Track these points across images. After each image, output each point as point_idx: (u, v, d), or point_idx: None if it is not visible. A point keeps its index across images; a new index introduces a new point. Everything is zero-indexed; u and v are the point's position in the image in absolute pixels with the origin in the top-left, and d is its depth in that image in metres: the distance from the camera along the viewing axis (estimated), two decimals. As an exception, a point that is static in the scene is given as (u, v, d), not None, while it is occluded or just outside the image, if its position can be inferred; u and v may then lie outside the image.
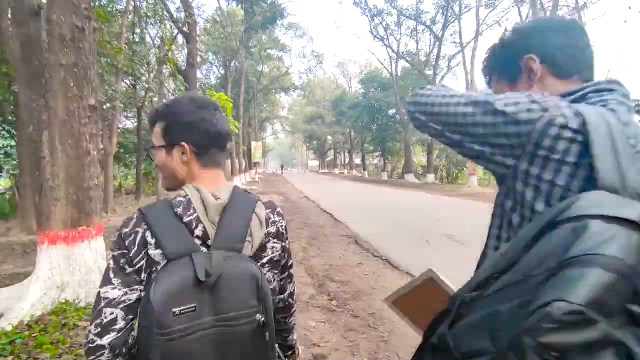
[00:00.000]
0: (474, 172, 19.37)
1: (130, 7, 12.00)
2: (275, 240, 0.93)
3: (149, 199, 16.39)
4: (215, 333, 0.74)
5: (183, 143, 0.87)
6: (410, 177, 28.08)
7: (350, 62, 48.51)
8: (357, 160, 49.75)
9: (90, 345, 0.75)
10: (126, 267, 0.78)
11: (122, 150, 20.59)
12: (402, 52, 28.33)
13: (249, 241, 0.84)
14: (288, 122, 63.27)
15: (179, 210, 0.80)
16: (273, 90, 42.59)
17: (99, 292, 0.78)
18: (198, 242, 0.79)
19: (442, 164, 30.88)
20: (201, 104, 0.90)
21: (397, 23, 26.97)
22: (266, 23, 26.13)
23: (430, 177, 25.22)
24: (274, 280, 0.94)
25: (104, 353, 0.75)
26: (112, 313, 0.76)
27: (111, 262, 0.80)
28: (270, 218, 0.93)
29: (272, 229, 0.93)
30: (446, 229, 7.64)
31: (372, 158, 47.88)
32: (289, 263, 1.02)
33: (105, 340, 0.75)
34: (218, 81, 29.24)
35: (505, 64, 0.80)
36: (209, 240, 0.80)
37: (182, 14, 10.13)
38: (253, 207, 0.89)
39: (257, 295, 0.78)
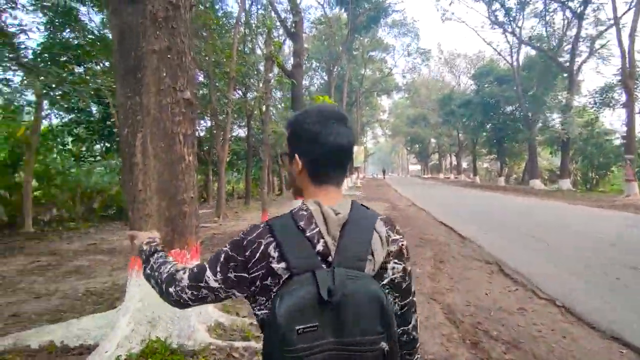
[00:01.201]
0: (634, 177, 15.09)
1: (241, 20, 12.31)
2: (396, 260, 0.85)
3: (257, 203, 16.88)
4: (337, 356, 0.70)
5: (297, 156, 0.87)
6: (536, 183, 23.88)
7: (459, 57, 44.36)
8: (465, 164, 45.38)
9: (178, 297, 0.88)
10: (234, 270, 0.80)
11: (234, 157, 22.01)
12: (528, 37, 24.31)
13: (370, 260, 0.79)
14: (389, 126, 61.42)
15: (302, 224, 0.78)
16: (375, 93, 41.57)
17: (206, 269, 0.86)
18: (319, 258, 0.76)
19: (576, 168, 25.53)
20: (326, 116, 0.86)
21: (521, 4, 23.22)
22: (370, 23, 25.25)
23: (565, 183, 20.86)
24: (394, 304, 0.87)
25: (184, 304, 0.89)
26: (206, 294, 0.86)
27: (223, 255, 0.83)
28: (390, 236, 0.86)
29: (393, 248, 0.85)
30: (628, 256, 5.43)
31: (483, 162, 42.95)
32: (412, 289, 0.91)
33: (187, 300, 0.88)
34: (321, 87, 29.47)
35: None
36: (330, 257, 0.76)
37: (290, 15, 9.83)
38: (374, 223, 0.83)
39: (382, 320, 0.72)
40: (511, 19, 24.16)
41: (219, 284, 0.82)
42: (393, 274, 0.84)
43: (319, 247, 0.76)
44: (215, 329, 2.87)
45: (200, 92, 15.81)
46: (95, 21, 10.43)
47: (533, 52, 26.23)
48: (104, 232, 9.37)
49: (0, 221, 8.89)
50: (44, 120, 11.99)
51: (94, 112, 13.56)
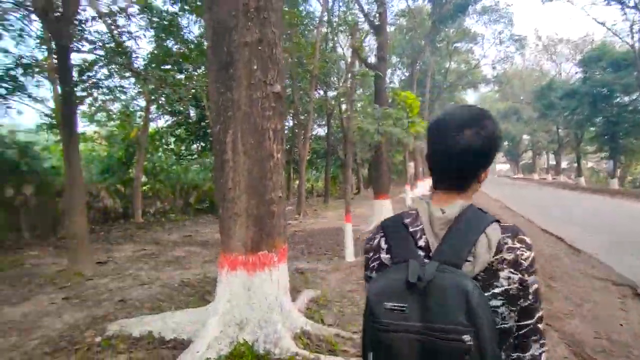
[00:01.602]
0: None
1: (324, 18, 12.32)
2: (511, 270, 0.80)
3: (336, 202, 16.86)
4: (422, 340, 0.72)
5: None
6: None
7: (561, 42, 39.08)
8: (564, 164, 39.96)
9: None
10: (366, 267, 0.91)
11: (314, 156, 22.38)
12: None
13: (470, 261, 0.77)
14: (474, 122, 56.84)
15: (407, 221, 0.86)
16: (460, 87, 38.85)
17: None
18: (421, 252, 0.81)
19: None
20: (445, 120, 0.87)
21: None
22: (456, 12, 23.47)
23: None
24: (509, 319, 0.80)
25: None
26: None
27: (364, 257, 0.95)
28: (506, 243, 0.81)
29: (509, 256, 0.80)
30: None
31: (587, 161, 37.24)
32: (535, 312, 0.83)
33: None
34: (402, 83, 28.43)
35: None
36: (431, 253, 0.80)
37: (373, 7, 9.49)
38: (484, 227, 0.80)
39: (468, 313, 0.71)
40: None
41: (365, 282, 0.92)
42: (508, 284, 0.80)
43: (421, 242, 0.82)
44: (300, 337, 2.71)
45: (283, 92, 16.29)
46: (193, 32, 11.36)
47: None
48: (198, 225, 10.12)
49: (116, 212, 10.19)
50: (151, 123, 13.49)
51: (192, 114, 14.86)
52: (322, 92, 16.26)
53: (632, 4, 20.72)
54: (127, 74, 10.25)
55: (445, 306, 0.72)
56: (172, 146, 15.75)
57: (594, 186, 27.88)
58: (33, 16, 7.21)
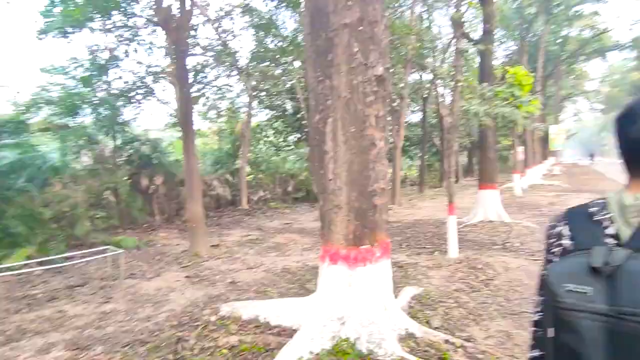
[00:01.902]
0: None
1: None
2: None
3: (431, 191, 15.97)
4: (608, 323, 0.71)
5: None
6: None
7: None
8: None
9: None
10: (547, 251, 0.90)
11: (407, 143, 21.51)
12: None
13: None
14: (600, 97, 47.97)
15: (593, 210, 0.85)
16: (583, 57, 32.97)
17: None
18: (611, 240, 0.80)
19: None
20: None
21: None
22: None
23: None
24: None
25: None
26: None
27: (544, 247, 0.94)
28: None
29: None
30: None
31: None
32: None
33: None
34: (509, 59, 25.30)
35: None
36: (621, 241, 0.79)
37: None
38: None
39: None
40: None
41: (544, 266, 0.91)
42: None
43: (610, 230, 0.80)
44: (406, 339, 2.53)
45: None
46: (288, 27, 11.77)
47: None
48: (295, 213, 10.59)
49: (226, 199, 11.29)
50: (253, 118, 14.53)
51: (288, 108, 15.57)
52: (417, 76, 15.39)
53: None
54: (233, 72, 11.09)
55: (636, 291, 0.72)
56: (271, 138, 16.76)
57: None
58: (158, 29, 8.28)
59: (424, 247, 5.91)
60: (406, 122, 18.92)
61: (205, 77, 11.08)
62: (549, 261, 0.89)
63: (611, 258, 0.74)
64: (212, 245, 6.28)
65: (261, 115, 16.16)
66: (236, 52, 10.78)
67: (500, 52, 29.09)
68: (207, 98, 12.21)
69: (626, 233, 0.79)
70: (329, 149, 2.57)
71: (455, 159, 21.09)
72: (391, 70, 12.75)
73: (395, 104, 13.27)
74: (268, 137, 16.65)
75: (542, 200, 10.99)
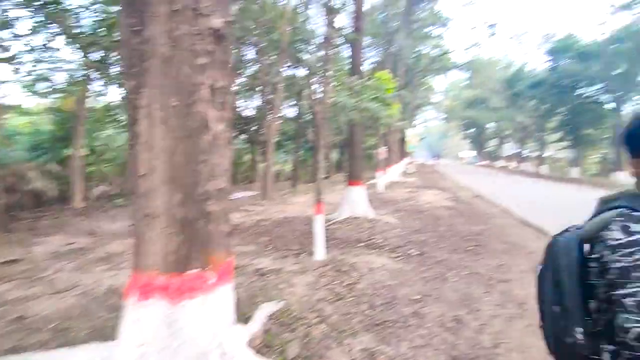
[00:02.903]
0: None
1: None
2: None
3: (305, 186, 16.05)
4: None
5: None
6: (621, 176, 20.65)
7: (528, 33, 39.74)
8: (526, 152, 41.43)
9: None
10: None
11: (283, 137, 21.30)
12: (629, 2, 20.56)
13: None
14: (443, 108, 57.71)
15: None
16: (431, 73, 38.68)
17: None
18: None
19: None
20: None
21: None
22: (432, -8, 22.79)
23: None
24: None
25: None
26: None
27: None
28: None
29: None
30: None
31: (549, 150, 38.68)
32: None
33: None
34: (374, 65, 27.63)
35: None
36: None
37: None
38: None
39: None
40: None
41: None
42: None
43: None
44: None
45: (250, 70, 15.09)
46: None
47: (629, 20, 22.16)
48: (148, 212, 8.97)
49: (49, 196, 8.81)
50: (101, 98, 11.87)
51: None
52: (292, 72, 15.15)
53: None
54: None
55: None
56: (125, 122, 14.17)
57: (554, 174, 28.83)
58: None
59: (291, 249, 5.47)
60: (282, 116, 18.62)
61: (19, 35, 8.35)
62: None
63: None
64: (6, 262, 4.53)
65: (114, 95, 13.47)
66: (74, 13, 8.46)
67: (369, 59, 31.62)
68: (24, 64, 9.31)
69: None
70: (142, 130, 1.73)
71: (328, 154, 21.88)
72: (263, 58, 12.13)
73: (271, 97, 12.70)
74: (120, 120, 14.00)
75: (400, 196, 12.04)
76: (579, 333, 0.85)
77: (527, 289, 3.88)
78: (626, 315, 0.79)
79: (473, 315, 3.31)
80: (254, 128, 16.90)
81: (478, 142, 59.46)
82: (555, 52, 27.60)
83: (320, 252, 4.85)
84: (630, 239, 0.81)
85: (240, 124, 17.17)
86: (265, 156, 10.95)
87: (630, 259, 0.79)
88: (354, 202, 7.94)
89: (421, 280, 4.31)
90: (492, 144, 57.52)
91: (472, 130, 56.72)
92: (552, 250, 0.97)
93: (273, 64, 10.45)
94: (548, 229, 6.86)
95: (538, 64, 36.13)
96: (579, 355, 0.86)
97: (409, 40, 28.39)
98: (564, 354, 0.91)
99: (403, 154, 31.91)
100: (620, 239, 0.82)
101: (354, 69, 7.14)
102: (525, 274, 4.49)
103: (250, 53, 14.44)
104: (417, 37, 29.87)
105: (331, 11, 4.93)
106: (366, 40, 27.15)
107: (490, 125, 51.63)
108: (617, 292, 0.80)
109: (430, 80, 43.06)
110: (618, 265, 0.80)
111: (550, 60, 28.46)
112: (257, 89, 15.97)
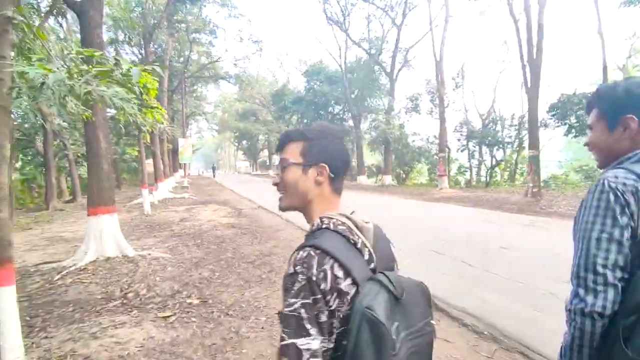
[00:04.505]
0: (444, 172, 17.55)
1: None
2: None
3: (30, 216, 11.21)
4: (411, 346, 0.76)
5: (323, 164, 0.88)
6: (363, 179, 25.94)
7: (291, 53, 45.08)
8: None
9: None
10: (323, 313, 0.73)
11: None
12: (358, 40, 25.88)
13: (395, 262, 0.91)
14: (216, 119, 57.66)
15: (351, 237, 0.81)
16: (202, 81, 37.40)
17: (294, 345, 0.70)
18: (368, 266, 0.81)
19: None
20: (340, 134, 0.94)
21: (352, 5, 24.45)
22: (196, -3, 21.54)
23: (388, 179, 23.16)
24: None
25: None
26: None
27: (302, 311, 0.72)
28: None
29: None
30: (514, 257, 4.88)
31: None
32: None
33: None
34: (135, 65, 23.69)
35: (609, 111, 1.03)
36: (373, 264, 0.82)
37: None
38: (382, 230, 0.91)
39: (428, 302, 0.84)
40: (347, 15, 25.09)
41: (318, 336, 0.71)
42: None
43: (366, 256, 0.82)
44: None
45: None
46: None
47: (361, 55, 28.18)
48: None
49: None
50: None
51: None
52: None
53: (344, 27, 25.34)
54: None
55: (418, 306, 0.81)
56: None
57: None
58: None
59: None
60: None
61: None
62: (332, 326, 0.73)
63: (394, 284, 0.74)
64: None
65: None
66: None
67: (125, 55, 26.91)
68: None
69: (374, 255, 0.83)
70: None
71: (72, 171, 16.45)
72: None
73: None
74: None
75: (174, 217, 9.97)
76: None
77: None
78: None
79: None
80: None
81: (251, 153, 62.73)
82: (310, 74, 32.06)
83: (12, 347, 2.51)
84: None
85: None
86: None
87: None
88: (102, 237, 5.50)
89: (207, 351, 2.84)
90: (264, 154, 61.98)
91: (245, 141, 59.31)
92: None
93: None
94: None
95: (298, 82, 41.09)
96: None
97: (174, 41, 26.09)
98: None
99: (176, 166, 29.02)
100: None
101: (85, 44, 4.85)
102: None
103: None
104: (182, 40, 27.91)
105: None
106: (121, 35, 22.88)
107: (262, 137, 55.45)
108: None
109: (202, 89, 41.72)
110: None
111: (306, 81, 32.80)
112: None
